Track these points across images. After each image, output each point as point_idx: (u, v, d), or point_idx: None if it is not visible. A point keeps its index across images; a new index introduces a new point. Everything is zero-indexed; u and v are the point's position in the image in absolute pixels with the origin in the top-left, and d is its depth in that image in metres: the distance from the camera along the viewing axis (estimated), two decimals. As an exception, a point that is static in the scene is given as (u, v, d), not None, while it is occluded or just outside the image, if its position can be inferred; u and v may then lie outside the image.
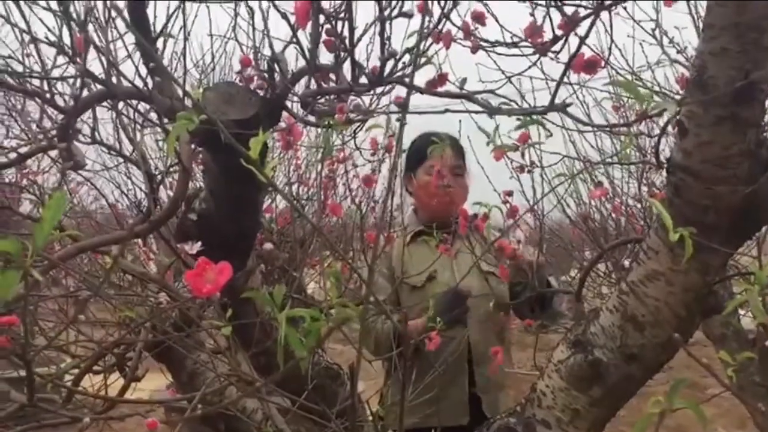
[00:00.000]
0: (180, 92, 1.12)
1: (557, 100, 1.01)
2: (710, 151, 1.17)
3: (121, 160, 2.27)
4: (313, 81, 1.04)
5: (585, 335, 1.37)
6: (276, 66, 1.20)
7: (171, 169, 1.82)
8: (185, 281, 0.63)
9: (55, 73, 1.19)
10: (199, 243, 1.16)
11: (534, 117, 0.99)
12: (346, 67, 1.03)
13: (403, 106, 0.85)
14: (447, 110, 0.99)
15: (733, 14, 1.10)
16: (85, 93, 1.24)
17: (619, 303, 1.34)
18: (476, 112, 0.99)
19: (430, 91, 0.97)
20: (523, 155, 1.65)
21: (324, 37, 1.02)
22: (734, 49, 1.11)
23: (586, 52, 1.39)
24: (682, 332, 1.34)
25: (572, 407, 1.37)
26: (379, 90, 1.25)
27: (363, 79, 0.98)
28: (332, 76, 1.04)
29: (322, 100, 1.16)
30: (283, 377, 1.42)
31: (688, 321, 1.33)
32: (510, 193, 1.86)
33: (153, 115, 1.49)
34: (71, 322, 1.50)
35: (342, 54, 0.96)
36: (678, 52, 2.16)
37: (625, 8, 1.82)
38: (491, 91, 1.01)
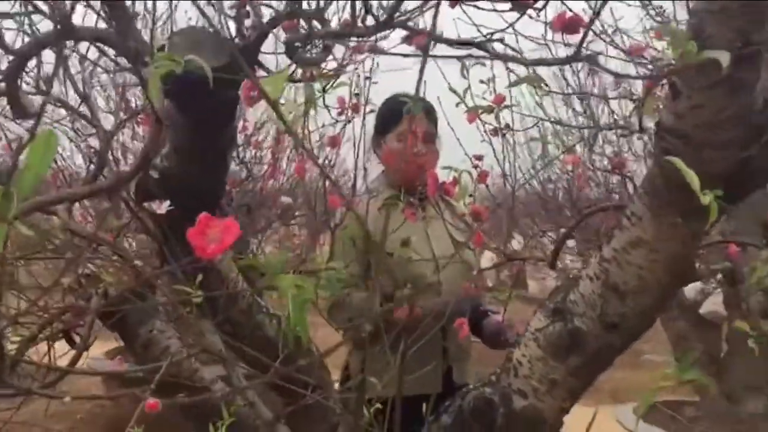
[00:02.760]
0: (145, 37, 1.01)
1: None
2: (703, 114, 1.13)
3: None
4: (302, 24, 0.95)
5: (564, 303, 1.34)
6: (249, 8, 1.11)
7: (123, 124, 1.70)
8: (189, 238, 0.55)
9: (5, 6, 1.06)
10: (168, 202, 1.06)
11: (533, 75, 0.92)
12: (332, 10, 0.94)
13: (424, 49, 0.78)
14: (470, 55, 0.92)
15: (734, -29, 1.05)
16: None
17: (600, 270, 1.30)
18: (485, 58, 0.92)
19: (441, 41, 0.89)
20: (497, 118, 1.59)
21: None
22: (734, 8, 1.06)
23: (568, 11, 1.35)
24: (662, 301, 1.32)
25: (549, 377, 1.33)
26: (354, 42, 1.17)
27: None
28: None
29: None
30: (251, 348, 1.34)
31: (670, 289, 1.30)
32: (480, 158, 1.81)
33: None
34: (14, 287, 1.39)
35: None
36: (657, 14, 2.13)
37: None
38: (500, 40, 0.94)
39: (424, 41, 0.85)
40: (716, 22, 1.08)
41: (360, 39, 0.88)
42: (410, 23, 0.89)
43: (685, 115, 1.15)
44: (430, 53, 0.71)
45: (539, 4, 1.27)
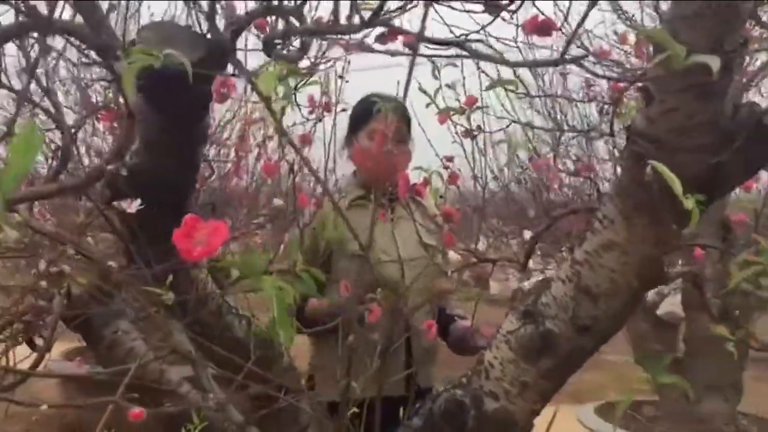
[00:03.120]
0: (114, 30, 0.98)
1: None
2: (675, 119, 1.14)
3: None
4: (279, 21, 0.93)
5: (536, 306, 1.34)
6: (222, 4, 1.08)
7: (85, 120, 1.65)
8: (174, 241, 0.53)
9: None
10: (138, 201, 1.03)
11: (511, 77, 0.91)
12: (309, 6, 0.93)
13: (412, 47, 0.76)
14: (457, 55, 0.91)
15: (707, -23, 1.06)
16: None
17: (573, 273, 1.31)
18: (470, 58, 0.92)
19: (424, 40, 0.88)
20: (469, 119, 1.59)
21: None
22: (707, 14, 1.08)
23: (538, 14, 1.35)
24: (633, 303, 1.33)
25: (521, 379, 1.33)
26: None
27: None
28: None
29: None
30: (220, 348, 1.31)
31: (640, 292, 1.31)
32: (451, 159, 1.81)
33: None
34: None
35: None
36: (626, 18, 2.14)
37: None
38: (480, 41, 0.94)
39: (412, 41, 0.84)
40: (690, 27, 1.09)
41: (343, 36, 0.87)
42: (392, 22, 0.88)
43: (658, 120, 1.16)
44: (418, 53, 0.70)
45: (513, 6, 1.27)
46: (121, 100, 2.06)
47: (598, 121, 2.37)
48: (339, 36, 0.90)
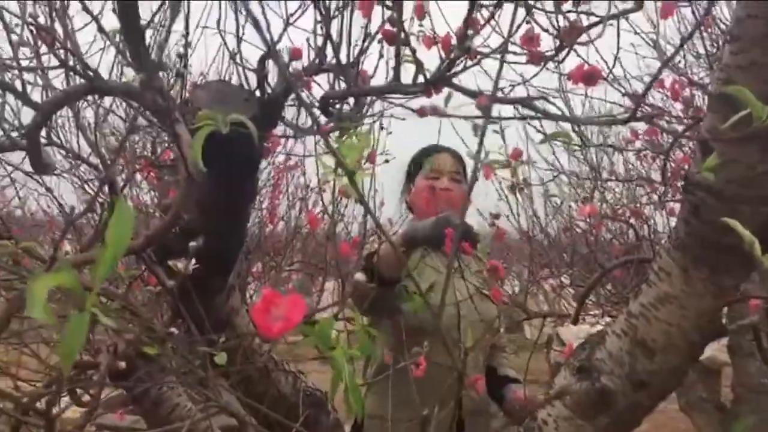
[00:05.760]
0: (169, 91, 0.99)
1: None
2: (736, 170, 1.12)
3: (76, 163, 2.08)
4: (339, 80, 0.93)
5: (590, 361, 1.30)
6: (271, 63, 1.09)
7: (135, 175, 1.67)
8: (251, 317, 0.51)
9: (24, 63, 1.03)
10: (194, 260, 1.03)
11: (562, 130, 0.90)
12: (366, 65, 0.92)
13: (485, 109, 0.76)
14: (524, 117, 0.90)
15: (764, 26, 1.05)
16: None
17: (628, 327, 1.27)
18: (537, 119, 0.90)
19: (488, 99, 0.87)
20: (513, 173, 1.57)
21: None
22: (764, 62, 1.06)
23: (582, 62, 1.34)
24: (691, 358, 1.29)
25: (577, 437, 1.29)
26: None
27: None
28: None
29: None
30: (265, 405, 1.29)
31: (700, 346, 1.27)
32: (497, 216, 1.78)
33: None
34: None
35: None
36: (673, 65, 2.13)
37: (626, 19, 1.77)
38: (543, 98, 0.93)
39: (485, 102, 0.83)
40: (746, 76, 1.07)
41: (412, 96, 0.86)
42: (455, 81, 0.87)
43: (716, 170, 1.13)
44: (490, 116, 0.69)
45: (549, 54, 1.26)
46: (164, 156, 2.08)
47: (644, 169, 2.35)
48: (404, 96, 0.89)
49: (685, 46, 2.61)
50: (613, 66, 1.38)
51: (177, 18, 0.78)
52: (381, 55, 1.16)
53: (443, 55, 0.85)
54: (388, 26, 0.78)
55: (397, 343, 1.59)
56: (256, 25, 0.62)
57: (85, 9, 1.06)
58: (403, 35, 0.79)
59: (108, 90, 0.94)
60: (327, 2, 1.01)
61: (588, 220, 2.48)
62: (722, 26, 1.91)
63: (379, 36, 0.87)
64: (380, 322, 1.73)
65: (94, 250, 0.94)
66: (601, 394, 1.27)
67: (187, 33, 0.72)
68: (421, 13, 1.14)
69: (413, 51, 0.81)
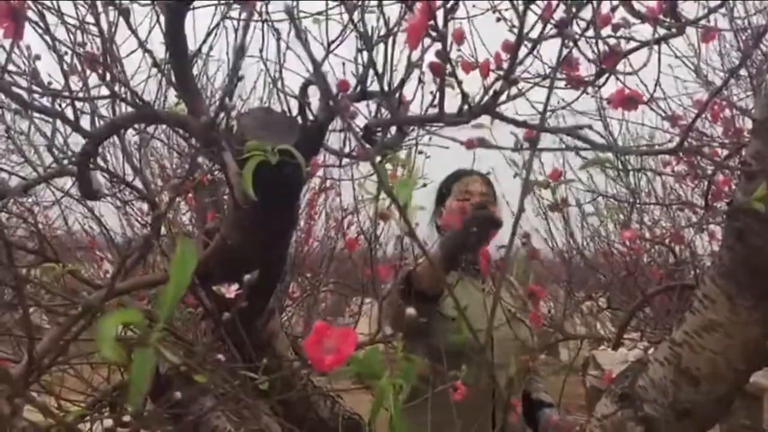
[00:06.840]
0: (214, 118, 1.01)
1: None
2: (781, 195, 1.10)
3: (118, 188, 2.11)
4: (383, 109, 0.94)
5: (633, 389, 1.28)
6: (316, 90, 1.10)
7: (176, 197, 1.69)
8: (304, 350, 0.52)
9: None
10: (237, 285, 1.04)
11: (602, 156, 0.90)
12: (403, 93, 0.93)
13: (532, 141, 0.76)
14: (569, 147, 0.90)
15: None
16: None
17: (671, 355, 1.26)
18: (583, 149, 0.90)
19: (524, 126, 0.87)
20: (554, 193, 1.56)
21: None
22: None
23: (622, 87, 1.33)
24: (737, 387, 1.27)
25: (619, 466, 1.27)
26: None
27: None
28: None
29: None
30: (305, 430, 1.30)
31: (745, 374, 1.25)
32: (528, 236, 1.77)
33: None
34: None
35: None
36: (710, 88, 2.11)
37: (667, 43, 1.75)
38: (588, 126, 0.93)
39: (532, 134, 0.84)
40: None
41: (455, 124, 0.87)
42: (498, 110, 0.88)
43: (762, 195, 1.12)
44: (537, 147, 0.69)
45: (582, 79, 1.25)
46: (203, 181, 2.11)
47: (684, 191, 2.32)
48: (445, 125, 0.90)
49: (724, 67, 2.58)
50: (654, 91, 1.38)
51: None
52: (420, 81, 1.18)
53: (485, 83, 0.86)
54: (433, 57, 0.79)
55: (431, 366, 1.58)
56: (306, 48, 0.63)
57: (133, 33, 1.09)
58: (449, 67, 0.80)
59: (156, 118, 0.96)
60: (369, 30, 1.02)
61: (628, 244, 2.45)
62: (765, 49, 1.89)
63: (424, 66, 0.88)
64: (414, 346, 1.72)
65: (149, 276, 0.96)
66: (643, 423, 1.25)
67: (239, 67, 0.74)
68: (459, 38, 1.15)
69: (459, 83, 0.82)
